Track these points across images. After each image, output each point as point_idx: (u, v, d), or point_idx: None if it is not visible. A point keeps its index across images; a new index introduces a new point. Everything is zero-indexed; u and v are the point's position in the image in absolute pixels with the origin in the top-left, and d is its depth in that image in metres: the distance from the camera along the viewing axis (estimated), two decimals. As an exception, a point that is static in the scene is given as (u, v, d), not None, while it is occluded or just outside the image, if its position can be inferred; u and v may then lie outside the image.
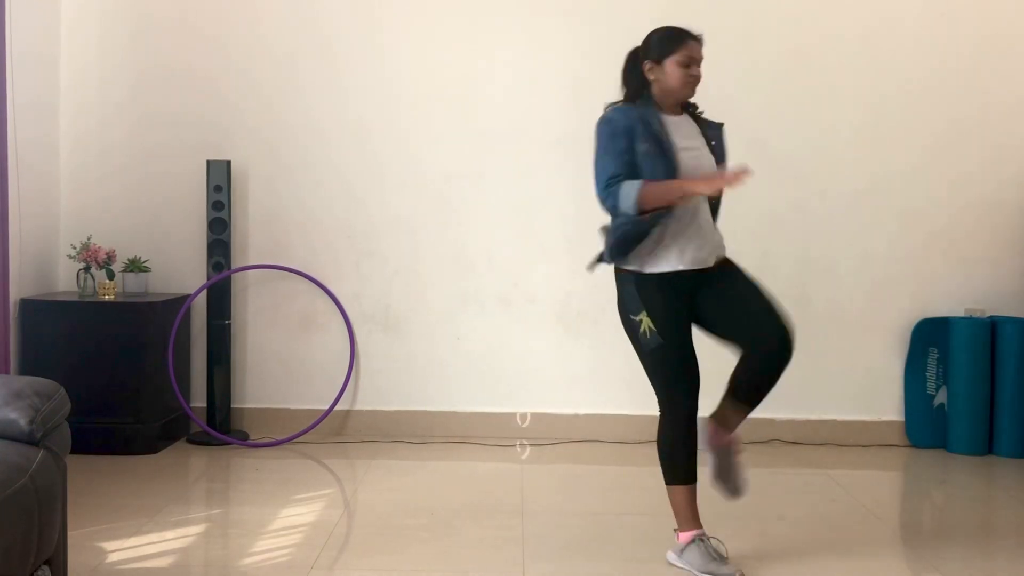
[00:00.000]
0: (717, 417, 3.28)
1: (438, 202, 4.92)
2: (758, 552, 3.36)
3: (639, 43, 3.46)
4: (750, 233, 4.91)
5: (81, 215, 4.89)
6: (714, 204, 3.40)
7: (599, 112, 4.80)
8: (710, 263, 3.29)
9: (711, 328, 3.30)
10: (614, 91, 4.83)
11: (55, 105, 4.87)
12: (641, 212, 3.10)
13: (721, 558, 3.18)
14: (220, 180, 4.70)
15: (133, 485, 4.04)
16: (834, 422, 4.93)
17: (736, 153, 4.86)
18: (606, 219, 4.74)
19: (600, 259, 3.30)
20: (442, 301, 4.94)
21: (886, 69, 4.87)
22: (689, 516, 3.23)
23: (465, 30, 4.91)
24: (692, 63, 3.31)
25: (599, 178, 3.21)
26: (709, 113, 3.46)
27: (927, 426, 4.87)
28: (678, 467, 3.23)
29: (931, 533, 3.75)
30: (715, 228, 3.37)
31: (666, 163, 3.17)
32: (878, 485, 4.36)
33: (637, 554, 3.33)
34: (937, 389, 4.88)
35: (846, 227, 4.91)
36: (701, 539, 3.20)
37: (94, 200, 4.91)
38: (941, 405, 4.87)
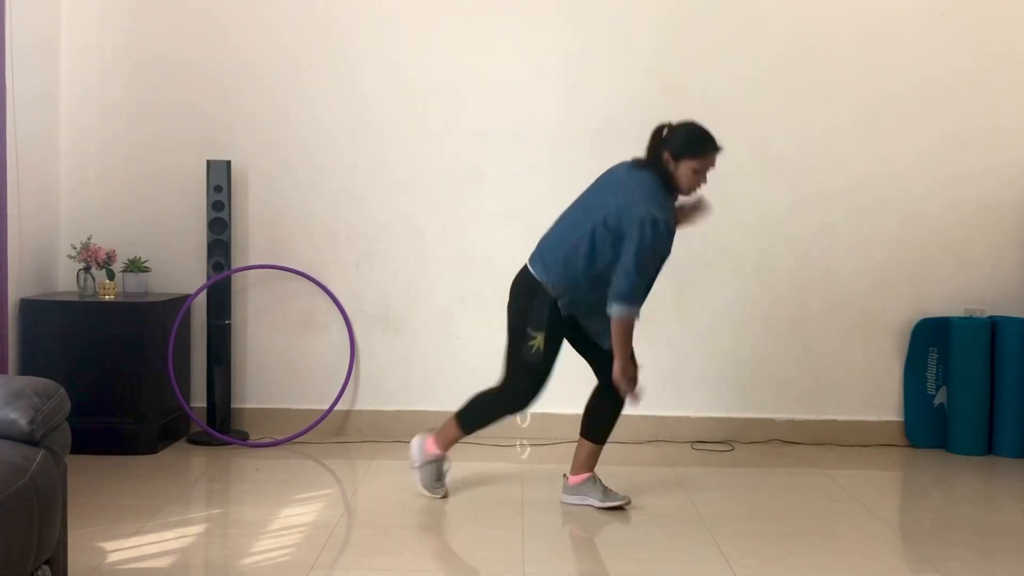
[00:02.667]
0: (575, 468, 3.85)
1: (438, 202, 4.92)
2: (758, 552, 3.36)
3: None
4: (750, 233, 4.93)
5: (81, 215, 4.89)
6: None
7: (599, 112, 4.86)
8: None
9: (584, 347, 3.79)
10: (614, 91, 4.87)
11: (55, 100, 4.86)
12: (628, 322, 3.54)
13: (441, 480, 3.89)
14: (220, 180, 4.70)
15: (133, 485, 4.04)
16: (834, 422, 4.93)
17: (737, 153, 4.89)
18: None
19: (537, 271, 3.67)
20: (442, 301, 4.95)
21: (886, 69, 4.87)
22: (449, 444, 3.85)
23: (466, 30, 4.91)
24: (703, 171, 3.57)
25: (632, 282, 3.48)
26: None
27: (927, 426, 4.88)
28: (477, 424, 3.81)
29: (931, 533, 3.75)
30: None
31: (662, 260, 3.58)
32: (878, 485, 4.36)
33: (637, 554, 3.33)
34: (937, 389, 4.88)
35: (846, 227, 4.91)
36: (440, 460, 3.87)
37: (94, 199, 4.91)
38: (941, 405, 4.88)
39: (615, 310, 3.50)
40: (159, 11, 4.90)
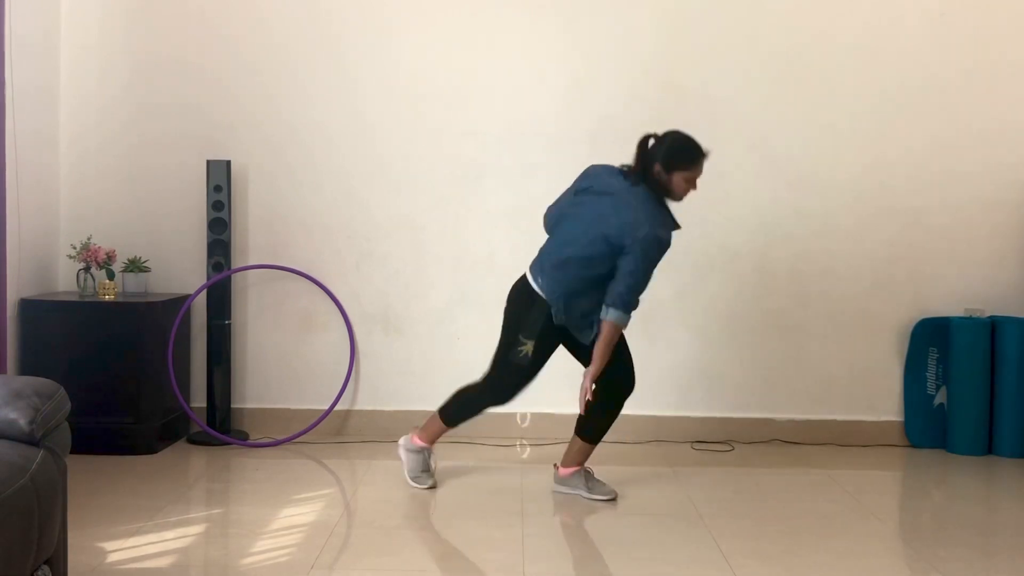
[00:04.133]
0: (565, 460, 3.99)
1: (438, 202, 4.92)
2: (758, 552, 3.36)
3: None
4: (750, 233, 4.92)
5: (81, 215, 4.89)
6: None
7: (598, 112, 4.86)
8: None
9: (579, 356, 3.91)
10: (614, 91, 4.87)
11: (55, 100, 4.86)
12: (619, 328, 3.71)
13: (429, 470, 4.04)
14: (220, 180, 4.70)
15: (133, 485, 4.04)
16: (834, 422, 4.93)
17: (737, 153, 4.90)
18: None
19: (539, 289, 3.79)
20: (442, 301, 4.95)
21: (886, 69, 4.87)
22: (434, 438, 4.03)
23: (466, 30, 4.91)
24: (693, 182, 3.72)
25: (635, 291, 3.67)
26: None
27: (927, 426, 4.88)
28: (459, 417, 4.00)
29: (931, 533, 3.75)
30: None
31: None
32: (878, 485, 4.36)
33: (637, 554, 3.33)
34: (937, 389, 4.88)
35: (846, 227, 4.91)
36: (427, 451, 4.05)
37: (94, 199, 4.91)
38: (941, 405, 4.88)
39: (611, 314, 3.66)
40: (159, 10, 4.90)
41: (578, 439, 3.95)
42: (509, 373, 3.85)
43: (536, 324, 3.75)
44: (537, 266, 3.81)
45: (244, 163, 4.90)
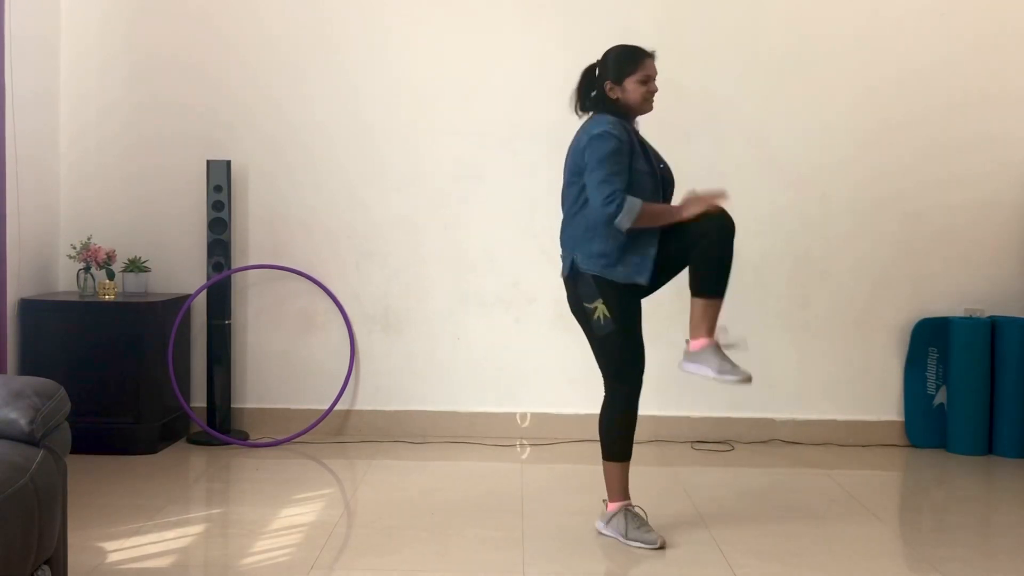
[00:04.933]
0: (692, 330, 3.42)
1: (438, 202, 4.92)
2: (758, 552, 3.36)
3: (590, 64, 3.61)
4: (750, 233, 4.91)
5: (81, 214, 4.89)
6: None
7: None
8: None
9: (673, 268, 3.46)
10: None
11: (55, 100, 4.87)
12: (641, 216, 3.29)
13: (645, 524, 3.45)
14: (220, 180, 4.70)
15: (133, 485, 4.04)
16: (834, 422, 4.93)
17: (736, 153, 4.90)
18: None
19: (573, 267, 3.44)
20: (442, 301, 4.95)
21: (886, 69, 4.87)
22: (619, 489, 3.50)
23: (466, 31, 4.91)
24: (649, 80, 3.49)
25: (602, 189, 3.32)
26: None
27: (927, 426, 4.88)
28: (615, 444, 3.52)
29: (931, 533, 3.75)
30: None
31: (654, 183, 3.44)
32: (878, 485, 4.36)
33: (638, 554, 3.33)
34: (937, 389, 4.88)
35: (846, 227, 4.91)
36: (628, 509, 3.48)
37: (94, 199, 4.91)
38: (941, 405, 4.88)
39: (617, 222, 3.29)
40: (159, 11, 4.91)
41: (696, 300, 3.40)
42: (609, 355, 3.45)
43: (589, 288, 3.39)
44: (562, 252, 3.53)
45: (244, 163, 4.90)
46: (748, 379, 3.41)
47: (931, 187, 4.89)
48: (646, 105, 3.50)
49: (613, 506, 3.50)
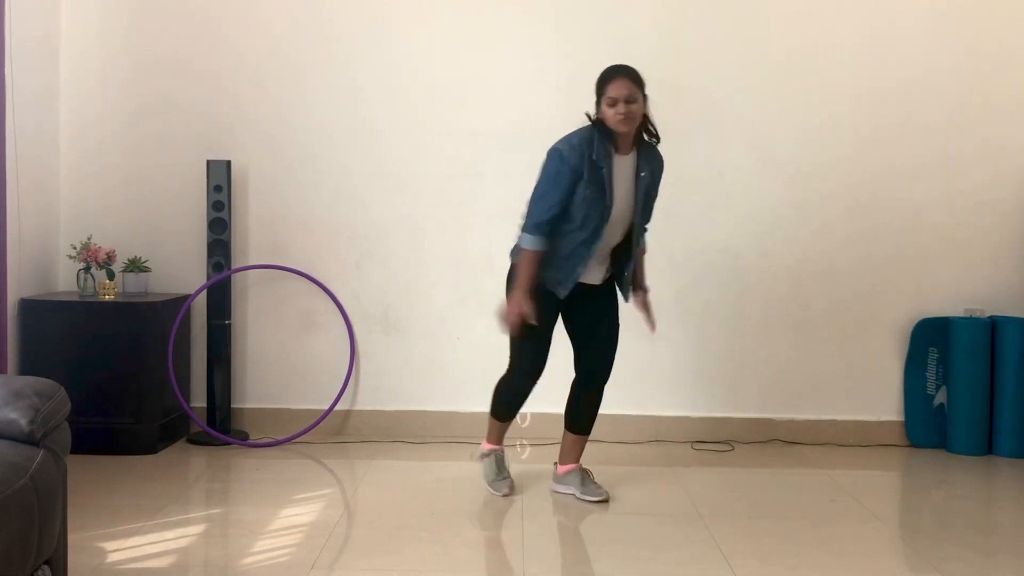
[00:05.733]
0: (561, 458, 4.02)
1: (438, 202, 4.92)
2: (758, 552, 3.36)
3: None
4: (750, 233, 4.92)
5: (81, 215, 4.89)
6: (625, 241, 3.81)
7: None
8: (596, 281, 3.82)
9: (572, 334, 3.91)
10: (614, 91, 4.86)
11: (55, 100, 4.87)
12: (527, 254, 3.65)
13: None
14: (220, 180, 4.70)
15: (133, 485, 4.04)
16: (834, 422, 4.93)
17: (737, 153, 4.91)
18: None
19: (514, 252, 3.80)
20: (442, 301, 4.95)
21: (886, 69, 4.87)
22: (497, 438, 4.04)
23: (465, 30, 4.91)
24: (617, 102, 3.58)
25: (533, 212, 3.66)
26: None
27: (927, 426, 4.88)
28: (500, 408, 3.98)
29: (931, 533, 3.75)
30: (607, 260, 3.82)
31: (602, 210, 3.63)
32: (878, 485, 4.36)
33: (637, 554, 3.33)
34: (937, 389, 4.88)
35: (846, 227, 4.91)
36: (496, 453, 4.03)
37: (94, 199, 4.91)
38: (941, 405, 4.88)
39: (520, 240, 3.70)
40: (159, 11, 4.90)
41: (568, 433, 4.01)
42: (518, 343, 3.86)
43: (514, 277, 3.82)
44: None
45: (244, 163, 4.90)
46: (607, 500, 3.87)
47: (931, 187, 4.89)
48: (620, 126, 3.60)
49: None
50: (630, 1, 4.87)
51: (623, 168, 3.67)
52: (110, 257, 4.67)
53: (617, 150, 3.66)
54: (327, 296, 4.92)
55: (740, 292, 4.93)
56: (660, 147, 3.80)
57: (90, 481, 3.98)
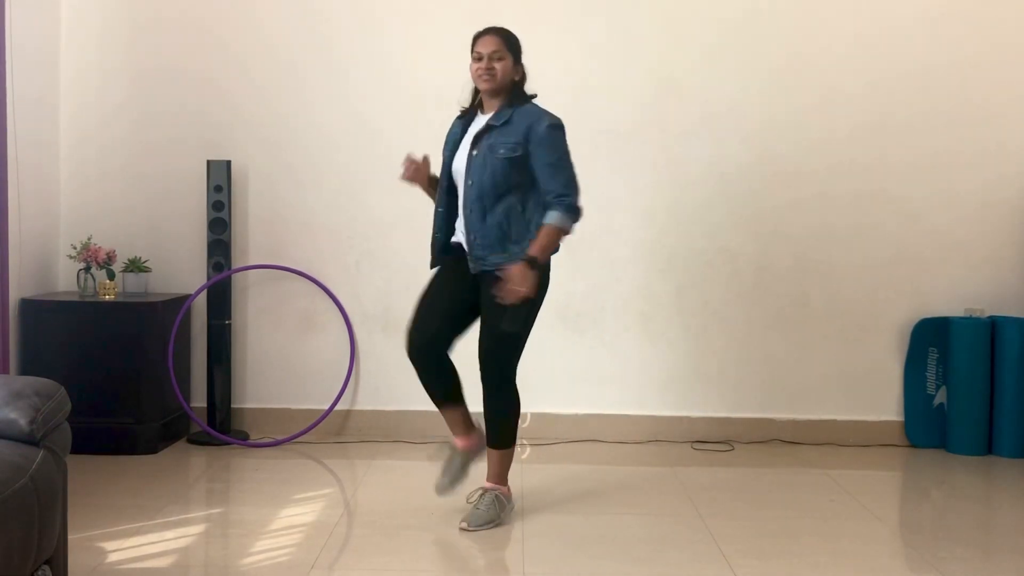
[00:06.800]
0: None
1: (438, 202, 4.91)
2: (758, 551, 3.36)
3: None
4: (750, 233, 4.92)
5: (81, 215, 4.89)
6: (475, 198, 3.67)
7: (598, 113, 4.86)
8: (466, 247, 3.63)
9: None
10: (614, 92, 4.87)
11: (55, 103, 4.87)
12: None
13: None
14: (220, 180, 4.70)
15: (133, 485, 4.04)
16: (834, 422, 4.93)
17: (736, 152, 4.90)
18: (610, 220, 4.75)
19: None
20: (442, 301, 4.94)
21: (886, 69, 4.87)
22: (451, 429, 3.83)
23: (465, 30, 4.89)
24: (482, 57, 3.65)
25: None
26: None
27: (927, 426, 4.88)
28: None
29: (931, 533, 3.75)
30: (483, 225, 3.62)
31: (446, 176, 3.76)
32: (878, 485, 4.36)
33: (637, 554, 3.33)
34: (937, 389, 4.88)
35: (846, 227, 4.91)
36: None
37: (94, 199, 4.91)
38: (941, 405, 4.88)
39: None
40: (158, 16, 4.90)
41: (489, 450, 3.70)
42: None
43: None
44: None
45: (244, 163, 4.90)
46: (469, 529, 3.53)
47: (931, 187, 4.89)
48: (480, 82, 3.66)
49: (462, 443, 3.79)
50: (630, 2, 4.87)
51: (477, 126, 3.67)
52: (110, 257, 4.67)
53: (483, 110, 3.69)
54: (327, 296, 4.92)
55: (740, 292, 4.93)
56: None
57: (90, 481, 3.97)
